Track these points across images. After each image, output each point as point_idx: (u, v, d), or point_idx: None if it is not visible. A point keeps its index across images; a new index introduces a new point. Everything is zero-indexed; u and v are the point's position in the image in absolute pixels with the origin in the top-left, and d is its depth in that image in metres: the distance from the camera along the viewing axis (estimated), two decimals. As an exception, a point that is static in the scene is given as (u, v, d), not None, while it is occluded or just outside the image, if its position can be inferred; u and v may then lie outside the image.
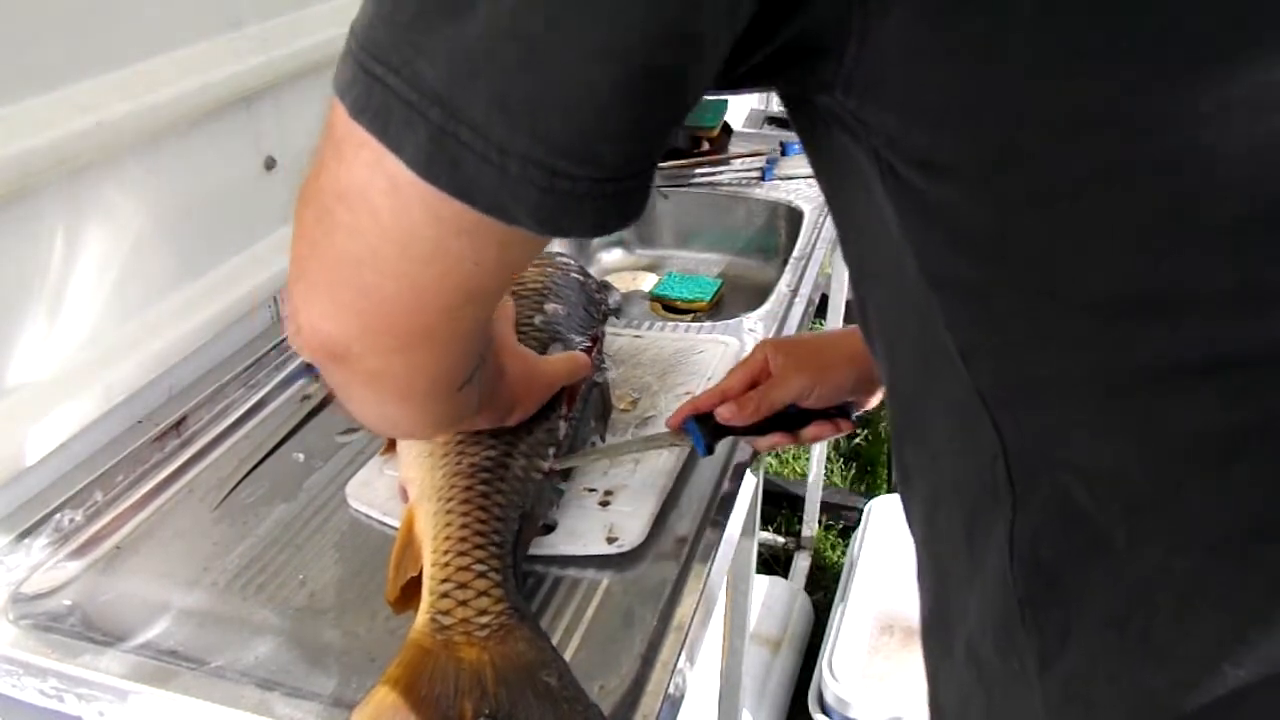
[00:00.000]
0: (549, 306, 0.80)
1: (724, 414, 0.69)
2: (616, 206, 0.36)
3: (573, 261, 0.91)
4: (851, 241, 0.43)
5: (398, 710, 0.53)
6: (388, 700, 0.53)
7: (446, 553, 0.60)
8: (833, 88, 0.35)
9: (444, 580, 0.59)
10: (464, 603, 0.58)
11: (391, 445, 0.75)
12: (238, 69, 0.88)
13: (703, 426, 0.70)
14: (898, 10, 0.32)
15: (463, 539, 0.61)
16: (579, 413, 0.74)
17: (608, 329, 0.90)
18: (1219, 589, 0.33)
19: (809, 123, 0.40)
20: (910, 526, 0.48)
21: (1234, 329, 0.31)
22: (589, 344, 0.80)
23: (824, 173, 0.42)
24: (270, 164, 0.96)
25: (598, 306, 0.87)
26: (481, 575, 0.59)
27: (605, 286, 0.92)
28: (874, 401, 0.74)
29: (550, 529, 0.70)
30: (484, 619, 0.57)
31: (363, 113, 0.35)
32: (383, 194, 0.36)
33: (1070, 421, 0.35)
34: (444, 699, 0.54)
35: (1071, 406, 0.35)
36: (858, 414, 0.73)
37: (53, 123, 0.71)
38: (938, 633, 0.46)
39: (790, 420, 0.70)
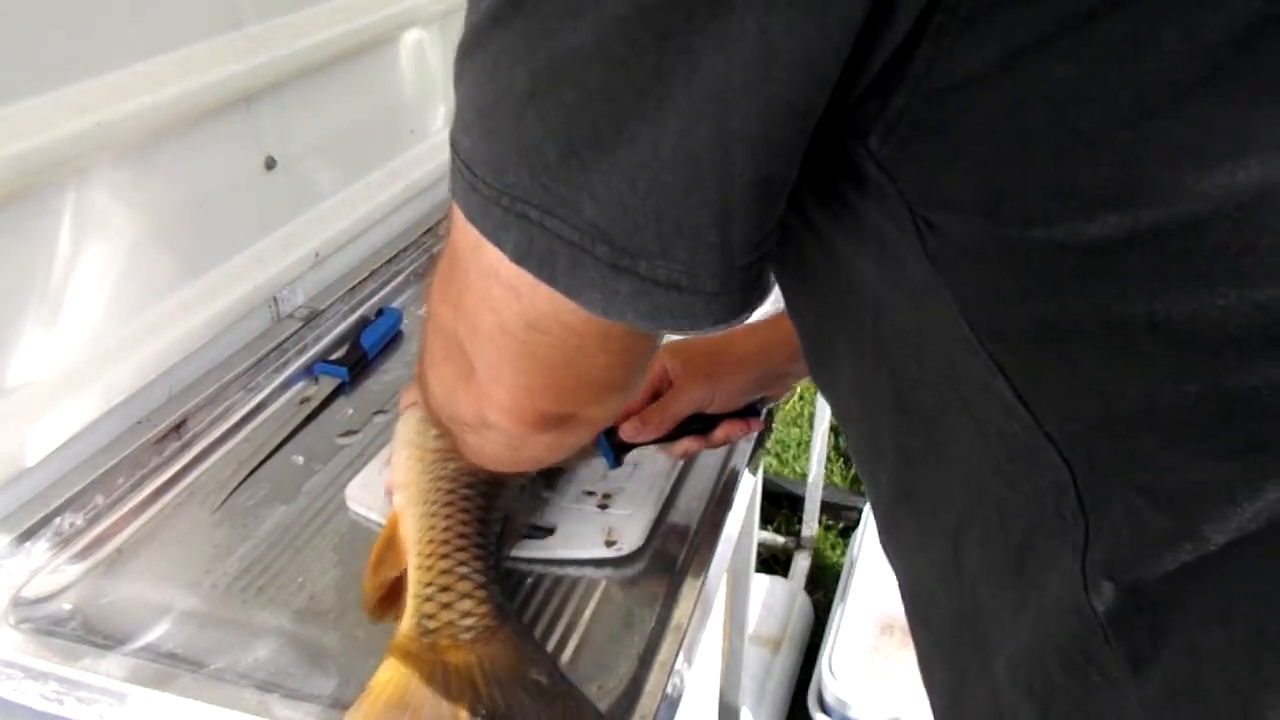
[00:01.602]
0: None
1: (627, 432, 0.69)
2: (764, 282, 0.38)
3: None
4: (827, 298, 0.43)
5: (391, 712, 0.53)
6: (376, 708, 0.54)
7: (430, 555, 0.61)
8: (865, 135, 0.34)
9: (428, 584, 0.59)
10: (448, 605, 0.58)
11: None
12: (238, 69, 0.88)
13: (610, 440, 0.70)
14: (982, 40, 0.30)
15: (445, 541, 0.61)
16: None
17: None
18: None
19: (805, 200, 0.39)
20: (899, 546, 0.47)
21: None
22: None
23: (808, 240, 0.41)
24: (270, 164, 0.96)
25: None
26: (465, 578, 0.60)
27: None
28: (780, 394, 0.74)
29: (549, 532, 0.70)
30: (468, 621, 0.58)
31: (526, 259, 0.36)
32: (573, 313, 0.38)
33: (1158, 448, 0.34)
34: (435, 703, 0.54)
35: (1159, 435, 0.34)
36: (769, 406, 0.73)
37: (53, 123, 0.71)
38: (967, 650, 0.45)
39: (701, 424, 0.70)
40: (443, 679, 0.55)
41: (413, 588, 0.60)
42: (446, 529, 0.62)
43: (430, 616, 0.58)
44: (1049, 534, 0.37)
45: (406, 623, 0.58)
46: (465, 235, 0.39)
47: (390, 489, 0.68)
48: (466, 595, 0.59)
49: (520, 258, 0.36)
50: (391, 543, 0.64)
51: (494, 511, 0.65)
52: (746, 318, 0.39)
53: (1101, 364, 0.34)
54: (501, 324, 0.41)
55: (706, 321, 0.37)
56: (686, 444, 0.72)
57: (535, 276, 0.36)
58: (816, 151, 0.35)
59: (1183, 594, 0.35)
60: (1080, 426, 0.35)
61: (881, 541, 0.49)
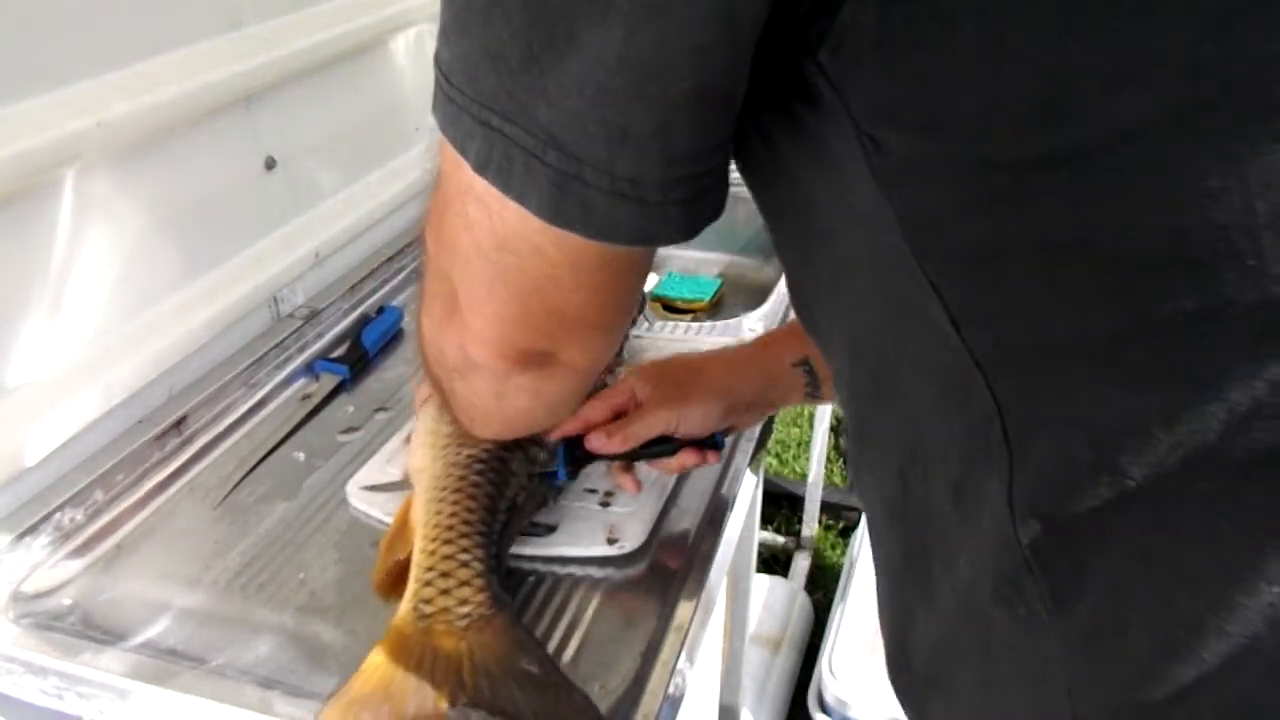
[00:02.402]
0: None
1: (594, 443, 0.68)
2: (722, 194, 0.40)
3: None
4: (797, 233, 0.44)
5: (372, 697, 0.54)
6: (365, 688, 0.55)
7: (434, 540, 0.62)
8: (816, 50, 0.34)
9: (429, 569, 0.60)
10: (445, 591, 0.59)
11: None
12: (238, 69, 0.88)
13: (569, 453, 0.69)
14: None
15: (450, 527, 0.62)
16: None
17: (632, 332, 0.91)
18: (1248, 510, 0.33)
19: (761, 112, 0.39)
20: (863, 489, 0.48)
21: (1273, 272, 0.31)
22: None
23: (772, 168, 0.42)
24: (270, 164, 0.96)
25: None
26: (465, 565, 0.60)
27: None
28: (748, 425, 0.74)
29: (551, 529, 0.70)
30: (464, 609, 0.58)
31: (486, 167, 0.37)
32: (540, 233, 0.39)
33: (1081, 378, 0.35)
34: (419, 689, 0.54)
35: (1084, 364, 0.35)
36: (733, 437, 0.72)
37: (53, 123, 0.71)
38: (913, 580, 0.46)
39: (664, 447, 0.69)
40: (430, 666, 0.55)
41: (414, 571, 0.61)
42: (452, 515, 0.63)
43: (428, 601, 0.59)
44: (980, 468, 0.38)
45: (405, 605, 0.59)
46: (447, 155, 0.40)
47: (408, 473, 0.69)
48: (465, 583, 0.59)
49: (481, 165, 0.37)
50: (404, 525, 0.65)
51: (501, 500, 0.65)
52: (688, 236, 0.39)
53: (1030, 287, 0.34)
54: (476, 243, 0.42)
55: (648, 236, 0.38)
56: (632, 477, 0.71)
57: (491, 183, 0.37)
58: (773, 71, 0.36)
59: (1103, 530, 0.35)
60: (1009, 354, 0.36)
61: (852, 488, 0.50)
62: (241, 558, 0.70)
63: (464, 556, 0.61)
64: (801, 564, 1.97)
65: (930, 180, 0.34)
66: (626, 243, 0.39)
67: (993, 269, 0.35)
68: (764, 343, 0.76)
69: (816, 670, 1.48)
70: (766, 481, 2.15)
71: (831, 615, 1.57)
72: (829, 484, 2.16)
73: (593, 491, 0.74)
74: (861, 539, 1.68)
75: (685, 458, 0.69)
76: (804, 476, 2.06)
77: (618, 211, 0.37)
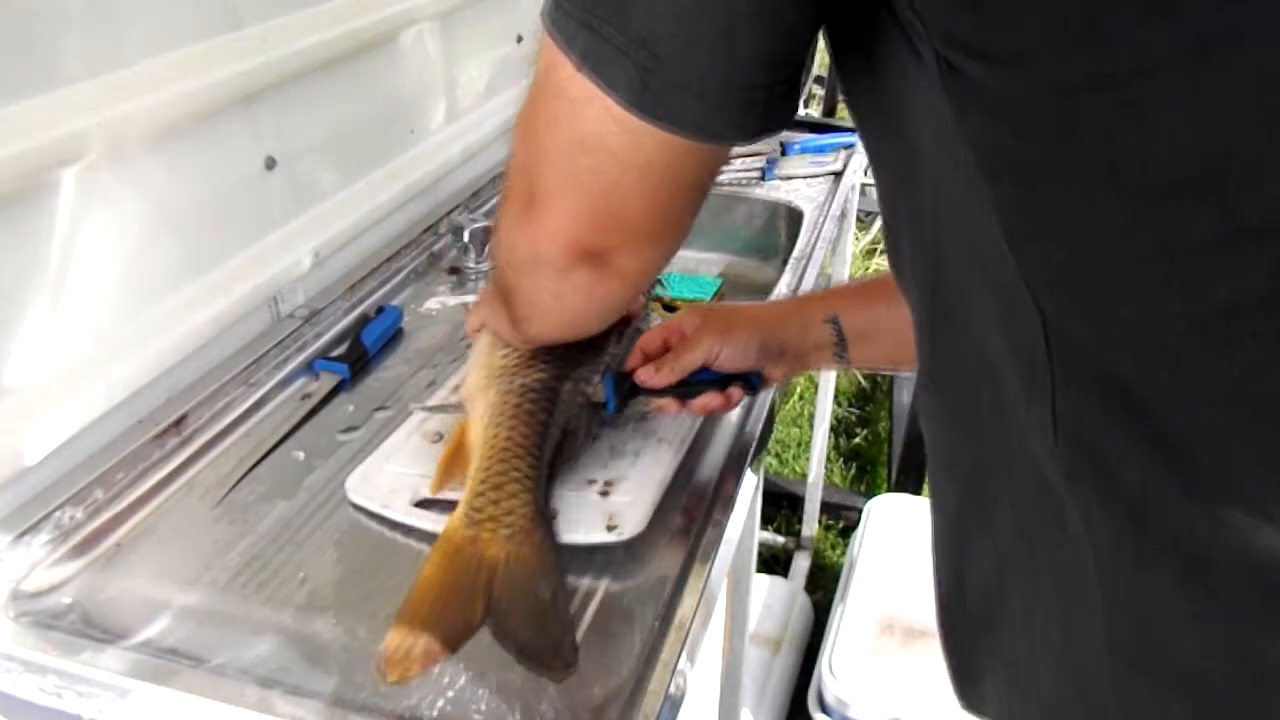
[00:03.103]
0: None
1: (643, 376, 0.73)
2: (790, 102, 0.45)
3: None
4: (892, 152, 0.47)
5: (428, 612, 0.61)
6: (422, 603, 0.61)
7: (489, 457, 0.68)
8: None
9: (483, 481, 0.66)
10: (495, 502, 0.65)
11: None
12: (238, 69, 0.88)
13: (618, 385, 0.74)
14: None
15: (505, 448, 0.68)
16: (622, 349, 0.80)
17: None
18: (1261, 440, 0.36)
19: (854, 37, 0.44)
20: (930, 422, 0.52)
21: None
22: None
23: (867, 90, 0.46)
24: (270, 164, 0.96)
25: None
26: (515, 480, 0.66)
27: None
28: (780, 376, 0.77)
29: (551, 517, 0.70)
30: (510, 518, 0.64)
31: (585, 60, 0.43)
32: (615, 137, 0.45)
33: (1118, 299, 0.37)
34: (463, 601, 0.61)
35: (1121, 284, 0.37)
36: (763, 386, 0.77)
37: (53, 123, 0.71)
38: (973, 508, 0.50)
39: (706, 384, 0.74)
40: (473, 574, 0.62)
41: (470, 484, 0.67)
42: (509, 437, 0.68)
43: (478, 509, 0.65)
44: (1030, 388, 0.41)
45: (458, 512, 0.65)
46: (545, 56, 0.46)
47: (464, 401, 0.76)
48: (513, 496, 0.65)
49: (581, 59, 0.43)
50: (460, 446, 0.71)
51: (553, 425, 0.70)
52: (742, 138, 0.45)
53: (1069, 209, 0.37)
54: (559, 143, 0.48)
55: (706, 129, 0.44)
56: (663, 403, 0.75)
57: (589, 76, 0.43)
58: (868, 6, 0.41)
59: (1124, 451, 0.39)
60: (1053, 275, 0.39)
61: (921, 424, 0.54)
62: (241, 557, 0.70)
63: (515, 474, 0.66)
64: (801, 564, 1.97)
65: (991, 104, 0.37)
66: (688, 133, 0.44)
67: (1037, 192, 0.38)
68: (799, 299, 0.83)
69: (816, 670, 1.48)
70: (766, 481, 2.15)
71: (831, 615, 1.57)
72: (829, 484, 2.16)
73: (592, 481, 0.74)
74: (861, 539, 1.68)
75: (709, 399, 0.73)
76: (804, 476, 2.06)
77: (685, 104, 0.43)
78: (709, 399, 0.74)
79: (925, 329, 0.50)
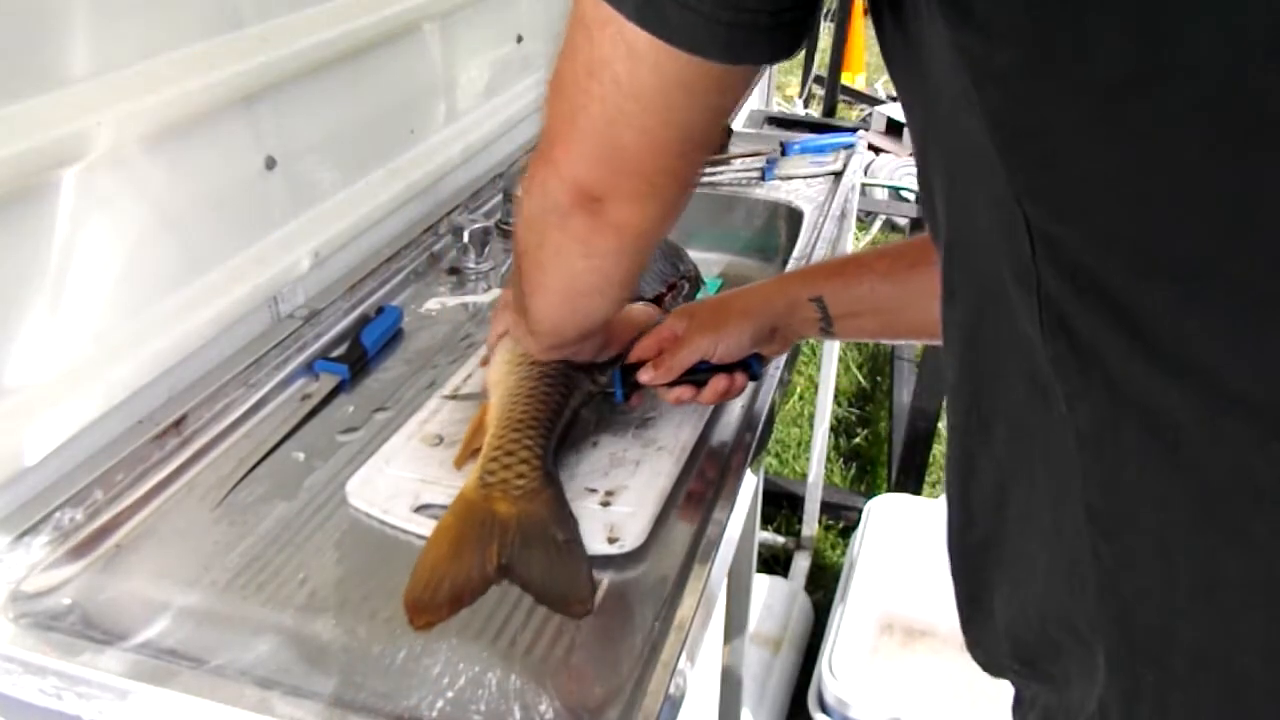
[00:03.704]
0: None
1: (644, 378, 0.77)
2: (786, 37, 0.47)
3: None
4: (918, 92, 0.49)
5: (445, 560, 0.66)
6: (439, 553, 0.66)
7: (504, 428, 0.74)
8: None
9: (496, 448, 0.72)
10: (507, 466, 0.71)
11: (485, 361, 0.88)
12: (238, 69, 0.88)
13: (625, 377, 0.78)
14: None
15: (519, 420, 0.74)
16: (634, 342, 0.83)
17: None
18: (1221, 328, 0.39)
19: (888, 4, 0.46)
20: (948, 344, 0.55)
21: None
22: (662, 291, 0.97)
23: (892, 32, 0.48)
24: (270, 164, 0.96)
25: (674, 264, 1.01)
26: (526, 448, 0.72)
27: (678, 251, 1.04)
28: (776, 352, 0.81)
29: None
30: (520, 481, 0.70)
31: None
32: (621, 61, 0.48)
33: (1088, 196, 0.41)
34: (478, 550, 0.66)
35: (1087, 180, 0.41)
36: (763, 367, 0.80)
37: (53, 123, 0.71)
38: (976, 426, 0.54)
39: (706, 375, 0.77)
40: (488, 524, 0.67)
41: (485, 450, 0.73)
42: (523, 412, 0.75)
43: (491, 473, 0.70)
44: (1022, 281, 0.45)
45: (473, 475, 0.71)
46: None
47: (486, 387, 0.81)
48: (524, 461, 0.71)
49: None
50: (481, 424, 0.77)
51: (564, 407, 0.76)
52: (731, 59, 0.47)
53: (1042, 110, 0.41)
54: (574, 71, 0.50)
55: (697, 43, 0.46)
56: (679, 391, 0.77)
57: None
58: None
59: (1098, 328, 0.42)
60: (1030, 175, 0.42)
61: (942, 359, 0.57)
62: (241, 558, 0.70)
63: (527, 442, 0.72)
64: (801, 564, 1.97)
65: (974, 19, 0.40)
66: (683, 46, 0.46)
67: (1013, 94, 0.41)
68: (781, 278, 0.84)
69: (816, 670, 1.48)
70: (766, 481, 2.15)
71: (831, 615, 1.57)
72: (829, 484, 2.16)
73: (593, 491, 0.74)
74: (861, 539, 1.68)
75: (716, 384, 0.76)
76: (804, 476, 2.07)
77: (682, 18, 0.45)
78: (717, 382, 0.77)
79: (943, 257, 0.53)
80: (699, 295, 1.19)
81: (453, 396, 0.86)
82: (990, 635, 0.58)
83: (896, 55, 0.50)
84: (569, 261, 0.61)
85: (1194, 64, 0.36)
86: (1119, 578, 0.47)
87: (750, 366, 0.78)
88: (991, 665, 0.60)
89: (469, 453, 0.76)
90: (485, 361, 0.90)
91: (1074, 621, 0.51)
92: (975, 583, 0.59)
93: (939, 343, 0.57)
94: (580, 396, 0.79)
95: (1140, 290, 0.41)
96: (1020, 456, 0.51)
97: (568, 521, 0.69)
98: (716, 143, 0.58)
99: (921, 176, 0.55)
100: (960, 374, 0.55)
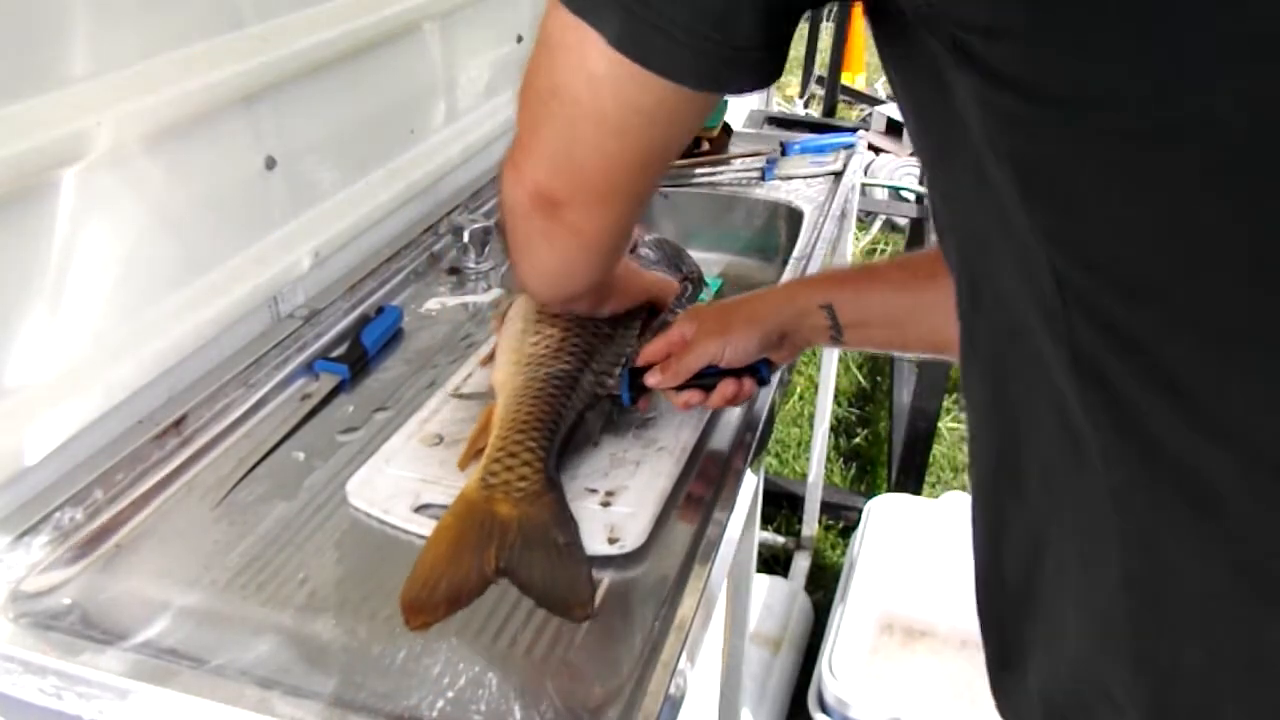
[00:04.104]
0: (640, 251, 0.96)
1: (651, 381, 0.77)
2: (752, 72, 0.48)
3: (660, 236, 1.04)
4: (926, 133, 0.49)
5: (444, 561, 0.66)
6: (438, 553, 0.67)
7: (508, 429, 0.74)
8: None
9: (500, 449, 0.72)
10: (510, 468, 0.71)
11: (490, 357, 0.89)
12: (238, 69, 0.88)
13: (633, 379, 0.78)
14: None
15: (524, 422, 0.74)
16: (647, 342, 0.83)
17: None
18: (1260, 391, 0.38)
19: (891, 29, 0.46)
20: (970, 393, 0.54)
21: None
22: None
23: (904, 78, 0.48)
24: (270, 164, 0.96)
25: (677, 265, 1.00)
26: (529, 450, 0.72)
27: (680, 252, 1.04)
28: (784, 359, 0.81)
29: None
30: (522, 483, 0.70)
31: (577, 4, 0.47)
32: (584, 85, 0.50)
33: (1111, 243, 0.40)
34: (477, 551, 0.66)
35: (1112, 230, 0.40)
36: (772, 373, 0.80)
37: (53, 123, 0.71)
38: (1006, 481, 0.52)
39: (715, 379, 0.77)
40: (488, 525, 0.67)
41: (488, 451, 0.72)
42: (528, 413, 0.74)
43: (494, 474, 0.70)
44: (1052, 329, 0.43)
45: (474, 476, 0.71)
46: (547, 10, 0.50)
47: (493, 385, 0.81)
48: (526, 464, 0.71)
49: (576, 7, 0.47)
50: (487, 424, 0.77)
51: (568, 408, 0.76)
52: (697, 86, 0.48)
53: (1083, 177, 0.40)
54: (539, 88, 0.53)
55: (668, 67, 0.47)
56: (689, 395, 0.77)
57: (578, 16, 0.47)
58: (891, 11, 0.43)
59: (1135, 387, 0.41)
60: (1055, 225, 0.41)
61: (961, 403, 0.56)
62: (241, 557, 0.70)
63: (530, 444, 0.72)
64: (801, 564, 1.97)
65: (997, 83, 0.40)
66: (655, 69, 0.47)
67: (1035, 147, 0.40)
68: (791, 284, 0.84)
69: (816, 670, 1.48)
70: (766, 481, 2.15)
71: (831, 615, 1.57)
72: (829, 484, 2.16)
73: (593, 491, 0.74)
74: (861, 539, 1.68)
75: (724, 388, 0.76)
76: (804, 476, 2.06)
77: (652, 40, 0.46)
78: (725, 387, 0.76)
79: (964, 299, 0.52)
80: (702, 296, 1.19)
81: (458, 395, 0.86)
82: (1023, 697, 0.56)
83: (900, 80, 0.50)
84: (537, 250, 0.63)
85: (1214, 118, 0.35)
86: (1158, 648, 0.45)
87: (759, 371, 0.77)
88: None
89: (473, 453, 0.76)
90: (487, 359, 0.90)
91: (1109, 688, 0.48)
92: (1008, 642, 0.57)
93: (948, 357, 0.56)
94: (586, 399, 0.78)
95: (1177, 347, 0.39)
96: (1054, 511, 0.49)
97: (569, 525, 0.69)
98: (673, 160, 0.59)
99: (934, 214, 0.54)
100: (987, 424, 0.53)
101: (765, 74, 0.49)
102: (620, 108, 0.50)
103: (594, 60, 0.48)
